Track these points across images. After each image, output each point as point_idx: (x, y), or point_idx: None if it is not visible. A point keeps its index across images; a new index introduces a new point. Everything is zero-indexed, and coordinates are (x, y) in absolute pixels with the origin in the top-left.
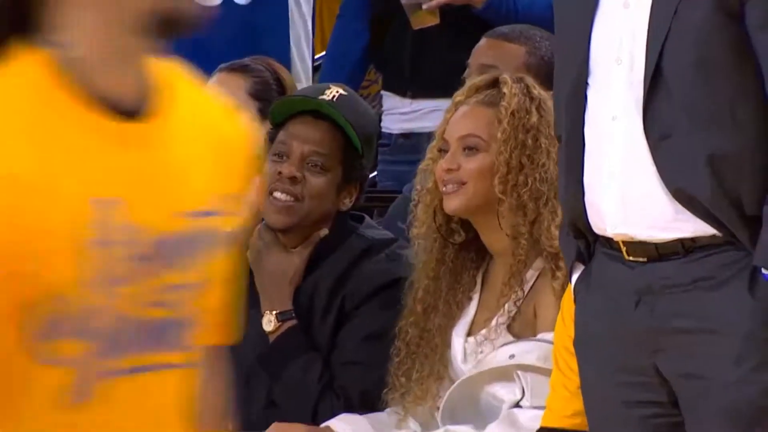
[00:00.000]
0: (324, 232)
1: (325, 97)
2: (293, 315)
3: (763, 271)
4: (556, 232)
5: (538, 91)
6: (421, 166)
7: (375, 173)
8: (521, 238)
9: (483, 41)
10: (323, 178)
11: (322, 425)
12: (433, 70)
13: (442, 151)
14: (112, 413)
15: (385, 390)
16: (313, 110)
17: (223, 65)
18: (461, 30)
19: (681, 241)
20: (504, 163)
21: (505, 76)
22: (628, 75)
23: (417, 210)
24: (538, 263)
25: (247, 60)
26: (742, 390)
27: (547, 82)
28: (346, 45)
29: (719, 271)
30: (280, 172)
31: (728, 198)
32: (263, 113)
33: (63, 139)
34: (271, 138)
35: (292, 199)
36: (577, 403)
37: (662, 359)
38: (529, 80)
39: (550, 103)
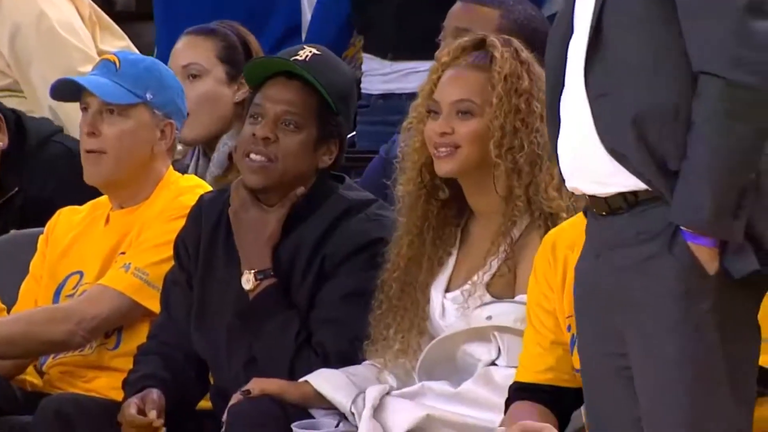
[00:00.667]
0: (301, 190)
1: (298, 57)
2: (272, 274)
3: (682, 227)
4: (553, 193)
5: (525, 54)
6: (405, 124)
7: (354, 134)
8: (517, 200)
9: (457, 4)
10: (297, 137)
11: (300, 380)
12: (415, 32)
13: (432, 112)
14: None
15: (366, 341)
16: (286, 71)
17: (189, 29)
18: None
19: (624, 195)
20: (499, 128)
21: (493, 39)
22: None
23: (402, 167)
24: (521, 225)
25: (213, 24)
26: (666, 348)
27: (524, 43)
28: (331, 10)
29: (656, 225)
30: (254, 134)
31: (652, 155)
32: (231, 76)
33: None
34: (248, 100)
35: (266, 159)
36: (550, 359)
37: (617, 313)
38: (517, 43)
39: (537, 67)
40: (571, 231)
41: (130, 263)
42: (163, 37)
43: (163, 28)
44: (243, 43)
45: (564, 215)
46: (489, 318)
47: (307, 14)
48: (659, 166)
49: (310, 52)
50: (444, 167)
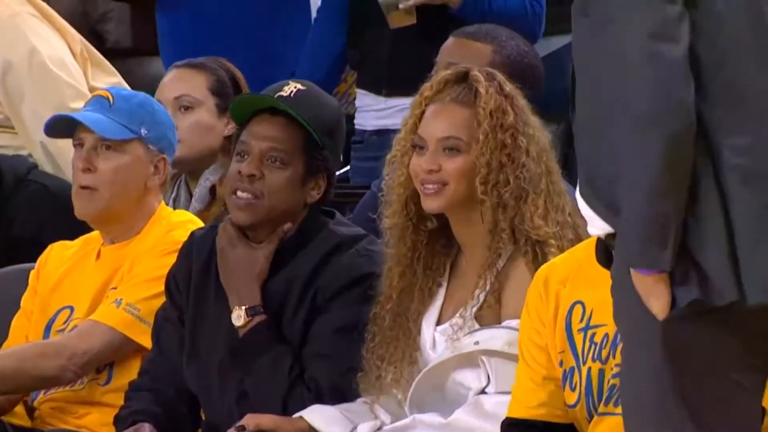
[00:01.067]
0: (288, 226)
1: (283, 93)
2: (261, 310)
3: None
4: (539, 222)
5: (509, 87)
6: (389, 157)
7: (347, 169)
8: (502, 233)
9: (450, 40)
10: (283, 173)
11: (294, 416)
12: (409, 68)
13: (418, 147)
14: None
15: (359, 374)
16: (271, 108)
17: (178, 63)
18: (438, 29)
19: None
20: (485, 164)
21: (476, 73)
22: None
23: (388, 200)
24: (506, 255)
25: (200, 59)
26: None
27: (515, 79)
28: (324, 45)
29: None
30: (239, 171)
31: (594, 194)
32: (221, 109)
33: None
34: (235, 137)
35: (252, 196)
36: (542, 395)
37: None
38: (500, 77)
39: (521, 101)
40: (563, 266)
41: (121, 299)
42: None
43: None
44: (231, 78)
45: (552, 242)
46: (476, 343)
47: None
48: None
49: (295, 87)
50: (431, 204)
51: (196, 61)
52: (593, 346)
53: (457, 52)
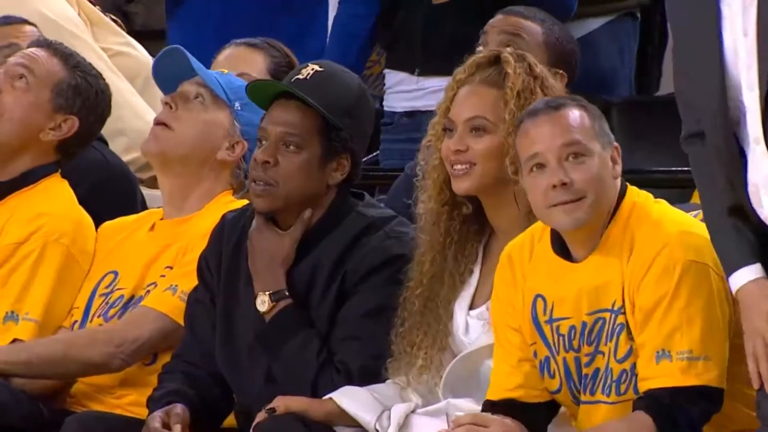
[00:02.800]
0: (308, 212)
1: (300, 76)
2: (287, 294)
3: None
4: None
5: (539, 69)
6: (424, 142)
7: (377, 152)
8: (533, 218)
9: (500, 17)
10: (298, 158)
11: (324, 398)
12: (444, 47)
13: (448, 129)
14: None
15: (389, 360)
16: (288, 92)
17: (238, 41)
18: (473, 8)
19: None
20: (513, 144)
21: (507, 54)
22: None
23: (423, 185)
24: None
25: (257, 39)
26: None
27: (557, 61)
28: (352, 28)
29: None
30: (255, 159)
31: None
32: None
33: None
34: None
35: (266, 184)
36: (518, 377)
37: None
38: (531, 58)
39: (551, 81)
40: (523, 249)
41: (176, 285)
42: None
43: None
44: (288, 62)
45: None
46: None
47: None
48: None
49: (312, 69)
50: (461, 185)
51: (256, 41)
52: (561, 338)
53: (508, 27)
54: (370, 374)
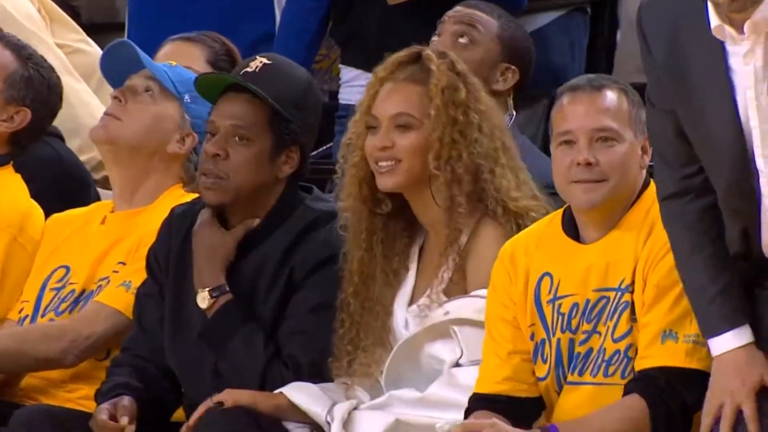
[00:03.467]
0: (256, 222)
1: (249, 69)
2: (226, 290)
3: None
4: (516, 194)
5: (461, 66)
6: (344, 140)
7: (330, 145)
8: (458, 208)
9: (458, 8)
10: (248, 150)
11: (275, 392)
12: (399, 45)
13: (371, 127)
14: None
15: (330, 359)
16: (237, 84)
17: (174, 36)
18: (428, 10)
19: None
20: (437, 140)
21: (429, 52)
22: None
23: (342, 183)
24: (468, 231)
25: (195, 33)
26: None
27: (511, 56)
28: (301, 22)
29: None
30: (205, 151)
31: None
32: None
33: None
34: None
35: (217, 177)
36: (507, 369)
37: None
38: (452, 55)
39: (474, 79)
40: (528, 239)
41: (130, 282)
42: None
43: (133, 31)
44: (226, 51)
45: (533, 214)
46: (446, 313)
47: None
48: None
49: (261, 62)
50: (386, 182)
51: (192, 34)
52: (561, 317)
53: (464, 18)
54: (319, 368)
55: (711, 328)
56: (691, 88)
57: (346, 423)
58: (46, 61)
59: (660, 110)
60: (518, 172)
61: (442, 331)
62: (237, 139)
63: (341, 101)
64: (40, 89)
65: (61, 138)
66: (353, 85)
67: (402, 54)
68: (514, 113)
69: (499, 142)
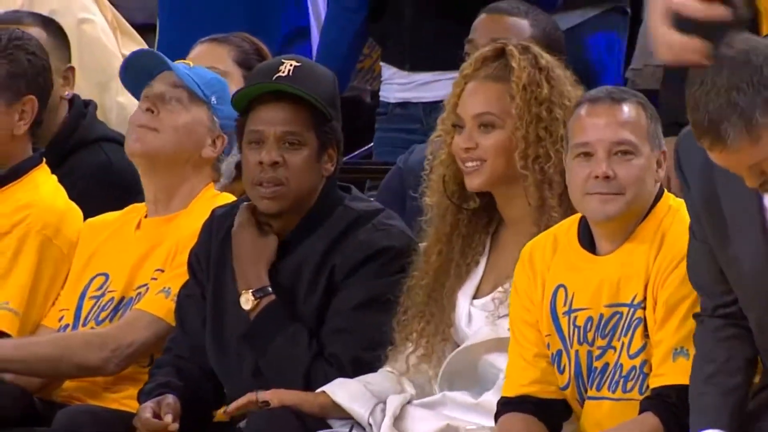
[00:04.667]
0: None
1: (281, 73)
2: (270, 291)
3: None
4: None
5: (545, 60)
6: (433, 137)
7: (371, 145)
8: (551, 211)
9: (484, 17)
10: (301, 154)
11: (317, 390)
12: (431, 43)
13: (457, 126)
14: None
15: (389, 347)
16: (272, 90)
17: (203, 39)
18: (459, 4)
19: None
20: (522, 138)
21: (512, 47)
22: None
23: (429, 179)
24: None
25: (225, 34)
26: None
27: (550, 51)
28: (343, 21)
29: None
30: (260, 162)
31: None
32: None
33: None
34: (240, 126)
35: (277, 185)
36: (534, 372)
37: None
38: (536, 49)
39: (559, 71)
40: (545, 245)
41: (170, 288)
42: (164, 42)
43: (166, 32)
44: (256, 50)
45: None
46: (509, 330)
47: (319, 13)
48: None
49: (291, 65)
50: (473, 182)
51: (220, 36)
52: (577, 330)
53: (494, 28)
54: (362, 366)
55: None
56: (725, 226)
57: (398, 418)
58: (11, 38)
59: (699, 242)
60: None
61: (504, 343)
62: (288, 144)
63: (381, 99)
64: (25, 72)
65: (120, 143)
66: (391, 82)
67: (486, 50)
68: None
69: None
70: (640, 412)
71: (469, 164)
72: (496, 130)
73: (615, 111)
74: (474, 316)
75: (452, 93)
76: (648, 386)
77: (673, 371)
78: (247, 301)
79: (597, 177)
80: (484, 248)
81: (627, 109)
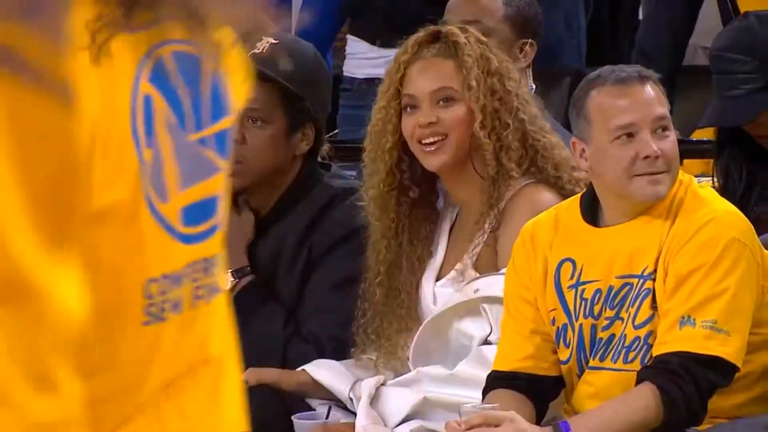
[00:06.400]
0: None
1: (255, 51)
2: (249, 271)
3: None
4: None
5: (483, 37)
6: (370, 128)
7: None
8: (510, 172)
9: (457, 2)
10: (264, 132)
11: (297, 369)
12: (405, 20)
13: (409, 107)
14: None
15: (352, 349)
16: None
17: None
18: None
19: None
20: (480, 110)
21: (449, 28)
22: None
23: (372, 171)
24: (509, 194)
25: None
26: None
27: (524, 31)
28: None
29: None
30: None
31: None
32: None
33: None
34: None
35: (235, 162)
36: (529, 347)
37: None
38: (472, 28)
39: (496, 49)
40: (548, 223)
41: None
42: None
43: None
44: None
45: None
46: (476, 291)
47: None
48: None
49: (267, 42)
50: (435, 160)
51: None
52: (584, 303)
53: (468, 9)
54: (340, 343)
55: None
56: None
57: (374, 399)
58: None
59: None
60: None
61: (471, 309)
62: (251, 121)
63: (345, 74)
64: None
65: None
66: (357, 57)
67: (420, 35)
68: (534, 86)
69: (536, 110)
70: (637, 382)
71: (430, 140)
72: (456, 103)
73: (647, 89)
74: (438, 295)
75: (389, 79)
76: (651, 356)
77: (677, 338)
78: (226, 281)
79: (647, 157)
80: (434, 238)
81: (655, 86)
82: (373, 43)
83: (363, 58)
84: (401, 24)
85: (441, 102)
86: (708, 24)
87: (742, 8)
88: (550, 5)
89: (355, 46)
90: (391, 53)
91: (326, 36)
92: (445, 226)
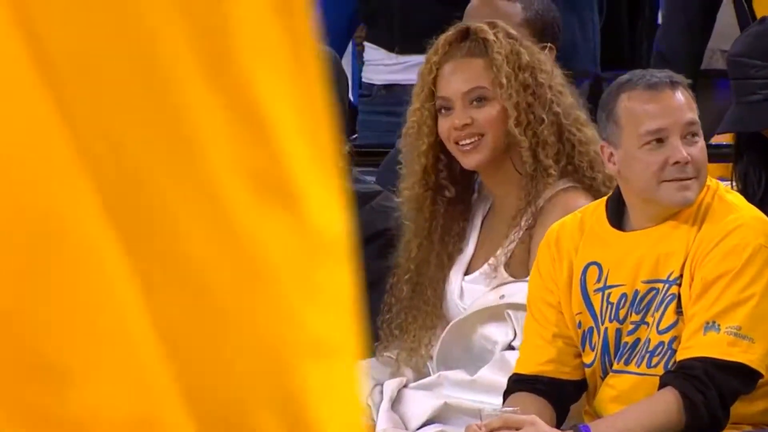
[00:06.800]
0: None
1: None
2: None
3: None
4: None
5: (513, 31)
6: (405, 129)
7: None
8: (549, 170)
9: (476, 2)
10: None
11: None
12: (422, 26)
13: (443, 109)
14: None
15: (376, 343)
16: None
17: None
18: None
19: None
20: (514, 107)
21: (478, 25)
22: None
23: (408, 172)
24: (548, 195)
25: None
26: None
27: (543, 35)
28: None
29: None
30: None
31: None
32: None
33: None
34: None
35: None
36: (552, 351)
37: None
38: (501, 23)
39: (528, 42)
40: (573, 227)
41: None
42: None
43: None
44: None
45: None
46: (502, 297)
47: None
48: None
49: None
50: (472, 160)
51: None
52: (610, 306)
53: (486, 12)
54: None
55: None
56: None
57: (395, 401)
58: None
59: None
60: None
61: (496, 314)
62: None
63: (364, 80)
64: None
65: None
66: (377, 64)
67: (449, 33)
68: None
69: (571, 99)
70: (660, 387)
71: (465, 142)
72: (489, 102)
73: (677, 94)
74: (466, 290)
75: (423, 81)
76: (675, 361)
77: (701, 344)
78: None
79: (677, 163)
80: (465, 235)
81: (685, 91)
82: (391, 50)
83: (381, 65)
84: (418, 31)
85: (474, 102)
86: (726, 28)
87: (759, 13)
88: (565, 8)
89: (372, 53)
90: (409, 59)
91: (337, 47)
92: (477, 220)
